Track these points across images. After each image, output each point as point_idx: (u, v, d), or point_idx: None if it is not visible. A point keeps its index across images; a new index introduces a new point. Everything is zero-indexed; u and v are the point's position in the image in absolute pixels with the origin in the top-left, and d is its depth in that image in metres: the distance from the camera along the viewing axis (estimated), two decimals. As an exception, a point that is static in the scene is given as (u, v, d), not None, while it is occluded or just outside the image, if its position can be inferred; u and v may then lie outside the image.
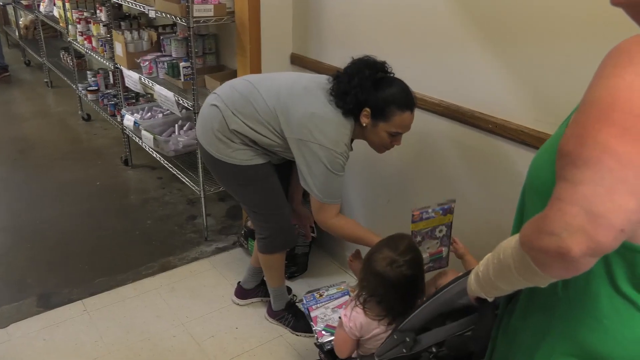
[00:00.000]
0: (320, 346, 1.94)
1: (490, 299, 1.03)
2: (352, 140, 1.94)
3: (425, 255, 1.86)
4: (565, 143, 0.77)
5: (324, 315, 2.02)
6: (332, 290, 2.11)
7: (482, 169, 1.95)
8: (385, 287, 1.56)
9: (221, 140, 1.97)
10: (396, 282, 1.54)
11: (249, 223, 2.72)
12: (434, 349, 1.26)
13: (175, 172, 3.19)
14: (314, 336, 1.99)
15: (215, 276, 2.71)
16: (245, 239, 2.80)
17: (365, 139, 1.91)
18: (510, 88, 1.77)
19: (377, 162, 2.40)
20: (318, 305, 2.05)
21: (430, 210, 1.77)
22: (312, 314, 2.01)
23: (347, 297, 2.04)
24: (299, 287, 2.61)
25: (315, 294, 2.07)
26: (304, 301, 2.06)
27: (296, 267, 2.69)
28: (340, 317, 1.72)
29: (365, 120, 1.82)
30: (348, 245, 2.67)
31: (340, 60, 2.43)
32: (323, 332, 1.96)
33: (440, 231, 1.87)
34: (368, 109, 1.80)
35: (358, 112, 1.82)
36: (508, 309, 1.08)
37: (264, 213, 2.13)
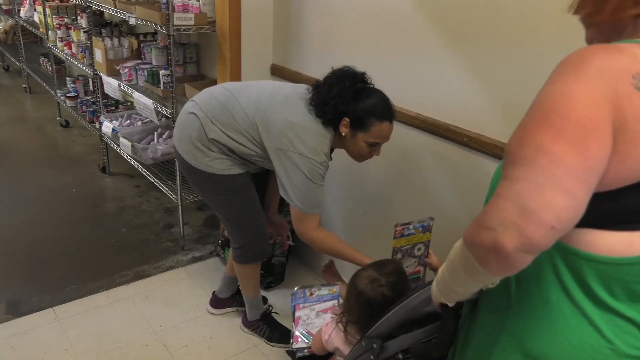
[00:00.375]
0: (292, 353, 1.92)
1: (450, 304, 1.05)
2: (331, 150, 1.95)
3: None
4: (509, 143, 0.82)
5: (307, 318, 1.98)
6: (324, 291, 2.04)
7: (458, 182, 1.98)
8: (362, 306, 1.52)
9: (199, 148, 1.96)
10: (374, 302, 1.49)
11: (226, 232, 2.71)
12: (400, 356, 1.27)
13: (153, 180, 3.17)
14: (289, 341, 1.97)
15: (190, 285, 2.68)
16: (222, 248, 2.78)
17: (345, 148, 1.92)
18: (484, 102, 1.80)
19: (355, 172, 2.42)
20: (305, 304, 2.00)
21: (411, 227, 1.79)
22: (297, 314, 1.97)
23: (334, 302, 2.02)
24: (276, 298, 2.60)
25: (307, 292, 2.02)
26: (295, 296, 2.01)
27: (273, 277, 2.68)
28: (322, 326, 1.72)
29: (344, 130, 1.83)
30: (325, 256, 2.67)
31: (319, 71, 2.44)
32: (299, 337, 1.94)
33: (419, 249, 1.88)
34: (347, 119, 1.81)
35: (337, 122, 1.83)
36: (469, 317, 1.10)
37: (240, 223, 2.12)
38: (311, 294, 2.03)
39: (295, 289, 2.01)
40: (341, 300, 2.03)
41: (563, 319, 0.88)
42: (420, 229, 1.81)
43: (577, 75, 0.78)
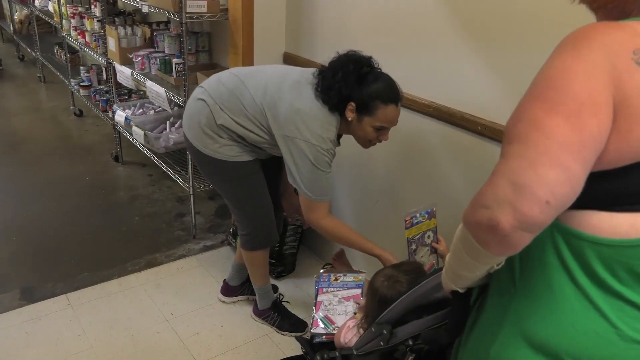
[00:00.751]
0: (303, 339, 1.91)
1: (461, 290, 1.04)
2: (340, 136, 1.93)
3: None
4: (507, 123, 0.81)
5: (329, 304, 1.96)
6: (349, 278, 2.02)
7: (472, 171, 1.95)
8: (379, 304, 1.45)
9: (208, 135, 1.95)
10: (390, 300, 1.40)
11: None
12: (410, 342, 1.26)
13: (165, 169, 3.18)
14: (301, 329, 1.93)
15: (202, 274, 2.69)
16: (233, 237, 2.78)
17: (352, 134, 1.90)
18: (498, 91, 1.77)
19: (366, 162, 2.40)
20: (329, 289, 1.99)
21: (418, 215, 1.79)
22: (319, 297, 1.96)
23: (359, 290, 1.99)
24: (287, 287, 2.60)
25: (332, 276, 2.00)
26: (319, 279, 1.99)
27: (284, 266, 2.68)
28: (343, 328, 1.69)
29: (350, 115, 1.81)
30: (336, 245, 2.66)
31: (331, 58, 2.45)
32: (319, 322, 1.92)
33: (429, 237, 1.88)
34: (353, 104, 1.80)
35: (343, 107, 1.81)
36: (478, 303, 1.08)
37: (247, 210, 2.12)
38: (336, 279, 2.00)
39: (321, 271, 1.99)
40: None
41: (567, 304, 0.86)
42: (426, 215, 1.82)
43: (575, 51, 0.77)
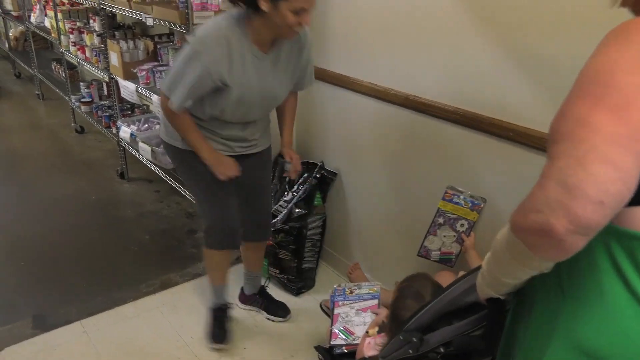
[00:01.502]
0: (323, 349, 1.91)
1: (502, 297, 1.01)
2: (274, 42, 1.85)
3: (436, 247, 1.94)
4: (550, 124, 0.78)
5: (346, 316, 1.99)
6: (364, 290, 2.06)
7: (506, 179, 1.86)
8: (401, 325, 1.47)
9: (167, 124, 1.99)
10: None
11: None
12: (441, 349, 1.22)
13: (173, 185, 3.09)
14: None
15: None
16: (249, 253, 2.70)
17: (274, 27, 1.76)
18: (529, 93, 1.69)
19: (398, 174, 2.32)
20: (345, 302, 2.01)
21: (461, 196, 1.84)
22: (336, 311, 1.97)
23: (375, 301, 2.00)
24: (307, 303, 2.52)
25: (347, 289, 2.01)
26: (334, 292, 2.00)
27: (303, 282, 2.59)
28: (364, 345, 1.68)
29: (264, 5, 1.70)
30: (354, 256, 2.59)
31: (345, 66, 2.38)
32: (338, 334, 1.92)
33: (462, 225, 1.91)
34: None
35: (256, 4, 1.71)
36: (515, 309, 1.05)
37: (202, 200, 2.13)
38: (351, 292, 2.04)
39: (335, 285, 1.99)
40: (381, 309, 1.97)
41: (619, 310, 0.81)
42: (470, 203, 1.86)
43: (619, 45, 0.74)
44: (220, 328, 2.27)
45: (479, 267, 1.08)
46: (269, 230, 2.37)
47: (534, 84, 1.68)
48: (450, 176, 2.02)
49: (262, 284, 2.50)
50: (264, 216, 2.29)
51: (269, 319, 2.43)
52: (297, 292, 2.57)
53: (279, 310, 2.43)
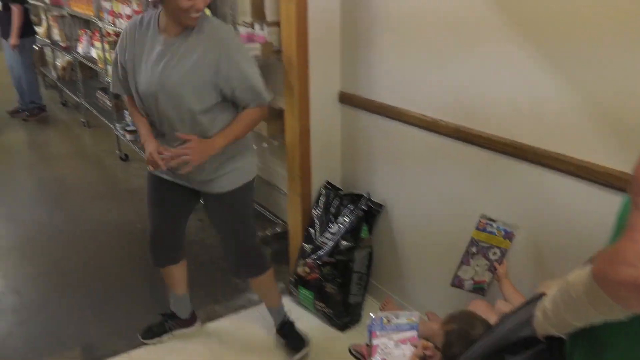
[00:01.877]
0: None
1: (563, 336, 1.00)
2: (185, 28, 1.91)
3: (469, 277, 1.91)
4: (635, 169, 0.75)
5: (385, 347, 1.91)
6: (402, 320, 1.99)
7: (567, 218, 1.78)
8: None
9: None
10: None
11: (299, 269, 2.59)
12: None
13: (218, 215, 3.08)
14: None
15: (266, 327, 2.54)
16: (295, 286, 2.65)
17: (173, 15, 1.86)
18: (590, 123, 1.62)
19: (445, 202, 2.26)
20: (382, 332, 1.94)
21: (494, 225, 1.82)
22: (374, 341, 1.91)
23: (414, 332, 1.93)
24: (354, 338, 2.45)
25: (384, 318, 1.95)
26: (372, 322, 1.95)
27: (350, 316, 2.54)
28: None
29: None
30: (402, 289, 2.52)
31: (392, 97, 2.34)
32: None
33: (494, 254, 1.88)
34: None
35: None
36: (576, 346, 1.03)
37: None
38: (388, 321, 1.97)
39: (371, 314, 1.94)
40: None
41: None
42: (503, 232, 1.84)
43: None
44: (155, 327, 2.46)
45: (530, 301, 1.08)
46: (243, 271, 2.31)
47: (592, 112, 1.62)
48: (510, 212, 1.96)
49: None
50: (232, 256, 2.27)
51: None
52: (344, 327, 2.52)
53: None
